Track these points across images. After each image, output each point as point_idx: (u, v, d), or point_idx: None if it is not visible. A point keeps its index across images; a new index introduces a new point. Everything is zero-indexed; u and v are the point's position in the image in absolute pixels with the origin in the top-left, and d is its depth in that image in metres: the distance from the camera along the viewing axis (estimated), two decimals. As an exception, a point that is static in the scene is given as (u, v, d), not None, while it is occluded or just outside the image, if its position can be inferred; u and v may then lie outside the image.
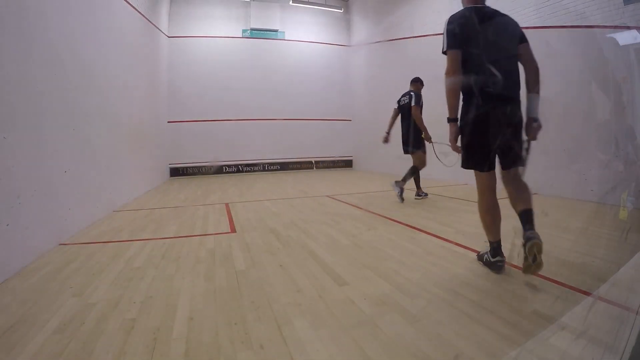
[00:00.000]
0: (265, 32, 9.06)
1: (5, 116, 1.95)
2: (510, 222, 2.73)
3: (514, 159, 1.76)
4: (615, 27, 3.55)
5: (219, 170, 8.70)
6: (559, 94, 4.17)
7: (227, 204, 4.20)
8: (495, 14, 1.74)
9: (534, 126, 1.69)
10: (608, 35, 3.59)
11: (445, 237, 2.45)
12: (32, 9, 2.30)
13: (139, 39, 5.44)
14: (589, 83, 3.80)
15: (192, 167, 8.45)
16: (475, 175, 1.81)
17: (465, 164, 1.81)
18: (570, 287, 1.58)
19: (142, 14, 5.48)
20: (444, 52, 1.73)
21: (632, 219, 2.51)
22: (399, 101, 4.29)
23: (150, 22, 6.11)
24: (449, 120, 1.74)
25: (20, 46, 2.13)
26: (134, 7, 4.98)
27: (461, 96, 1.75)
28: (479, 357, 1.08)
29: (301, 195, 4.93)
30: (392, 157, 7.96)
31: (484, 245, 1.99)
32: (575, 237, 2.47)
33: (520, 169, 1.79)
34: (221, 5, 8.74)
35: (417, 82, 4.33)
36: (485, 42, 1.65)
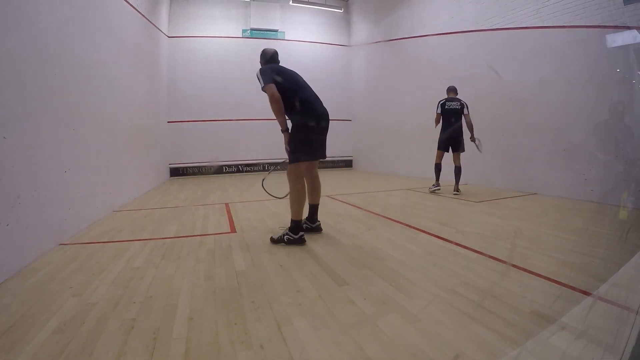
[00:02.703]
0: (265, 32, 9.04)
1: (5, 116, 1.95)
2: (511, 223, 2.72)
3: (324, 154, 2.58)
4: (615, 27, 3.55)
5: (219, 170, 8.69)
6: (559, 94, 4.17)
7: (227, 204, 4.20)
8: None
9: None
10: (608, 35, 3.59)
11: (445, 237, 2.45)
12: (27, 10, 2.29)
13: (139, 39, 5.43)
14: (589, 83, 3.80)
15: (192, 167, 8.43)
16: (298, 166, 2.41)
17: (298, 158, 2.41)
18: (570, 287, 1.58)
19: (142, 14, 5.47)
20: (263, 89, 2.40)
21: (632, 219, 2.50)
22: (443, 105, 4.58)
23: (150, 22, 6.11)
24: (285, 130, 2.46)
25: (21, 47, 2.13)
26: (134, 7, 4.97)
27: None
28: (479, 357, 1.08)
29: (301, 195, 4.91)
30: (391, 157, 8.03)
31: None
32: (575, 237, 2.47)
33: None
34: (221, 5, 8.72)
35: (455, 90, 4.71)
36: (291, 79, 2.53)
